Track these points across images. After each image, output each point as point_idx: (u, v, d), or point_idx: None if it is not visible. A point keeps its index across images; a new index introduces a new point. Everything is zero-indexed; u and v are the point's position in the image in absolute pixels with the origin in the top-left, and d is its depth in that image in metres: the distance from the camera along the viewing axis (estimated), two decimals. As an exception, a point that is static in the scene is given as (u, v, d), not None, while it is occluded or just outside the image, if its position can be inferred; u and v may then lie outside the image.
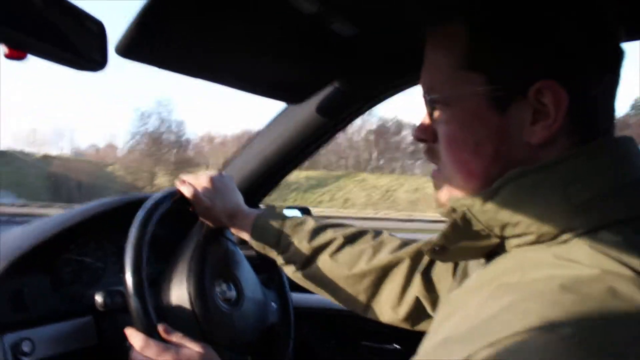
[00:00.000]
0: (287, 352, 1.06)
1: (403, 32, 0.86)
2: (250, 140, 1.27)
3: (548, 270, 0.42)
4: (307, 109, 1.11)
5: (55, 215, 0.99)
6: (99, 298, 0.89)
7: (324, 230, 0.92)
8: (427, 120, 0.57)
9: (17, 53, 0.56)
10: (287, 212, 1.42)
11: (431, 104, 0.55)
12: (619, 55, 0.50)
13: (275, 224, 0.94)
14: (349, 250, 0.89)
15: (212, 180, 0.97)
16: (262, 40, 0.80)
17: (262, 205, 1.34)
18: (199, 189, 0.95)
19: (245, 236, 0.97)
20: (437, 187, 0.58)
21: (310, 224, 0.93)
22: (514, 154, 0.50)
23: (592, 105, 0.49)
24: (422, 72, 0.58)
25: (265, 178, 1.25)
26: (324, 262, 0.89)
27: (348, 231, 0.92)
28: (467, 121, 0.52)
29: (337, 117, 1.14)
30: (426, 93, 0.56)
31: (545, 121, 0.48)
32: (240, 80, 0.92)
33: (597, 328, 0.36)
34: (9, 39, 0.54)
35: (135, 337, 0.78)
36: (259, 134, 1.24)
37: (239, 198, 1.01)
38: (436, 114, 0.55)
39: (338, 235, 0.91)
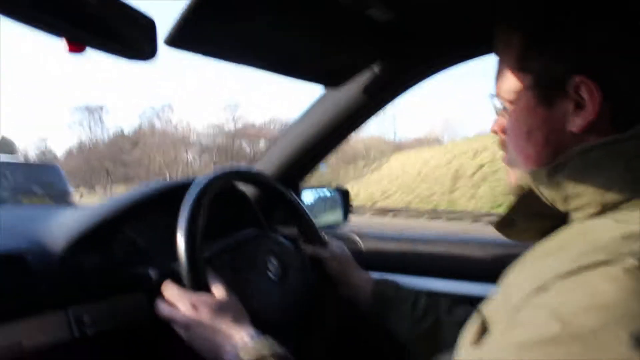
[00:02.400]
0: (325, 340, 1.08)
1: (438, 17, 0.87)
2: (290, 125, 1.30)
3: (609, 232, 0.45)
4: (345, 92, 1.13)
5: (109, 198, 1.05)
6: (152, 273, 0.94)
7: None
8: (498, 116, 0.67)
9: (76, 47, 0.60)
10: (324, 192, 1.46)
11: (498, 101, 0.65)
12: None
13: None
14: None
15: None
16: (302, 26, 0.83)
17: (305, 190, 1.37)
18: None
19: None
20: (507, 172, 0.66)
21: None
22: (560, 141, 0.57)
23: (629, 94, 0.54)
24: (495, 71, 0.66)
25: (304, 161, 1.28)
26: None
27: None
28: (521, 115, 0.61)
29: (373, 100, 1.15)
30: (494, 91, 0.65)
31: (584, 112, 0.54)
32: (281, 66, 0.95)
33: None
34: (70, 34, 0.58)
35: (169, 289, 0.85)
36: (298, 118, 1.27)
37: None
38: (502, 110, 0.65)
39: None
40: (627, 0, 0.55)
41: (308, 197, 1.39)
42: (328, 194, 1.48)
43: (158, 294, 0.99)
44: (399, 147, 46.99)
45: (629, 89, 0.54)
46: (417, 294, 1.01)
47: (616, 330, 0.36)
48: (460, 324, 0.89)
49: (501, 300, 0.49)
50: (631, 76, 0.54)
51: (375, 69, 1.06)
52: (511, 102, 0.62)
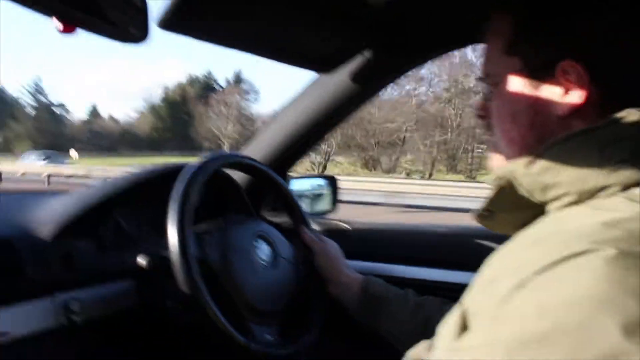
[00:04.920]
0: (319, 319, 1.07)
1: (430, 2, 0.87)
2: (279, 111, 1.29)
3: (588, 219, 0.45)
4: (337, 78, 1.13)
5: (97, 183, 1.03)
6: (142, 260, 0.93)
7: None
8: (483, 99, 0.67)
9: (68, 27, 0.59)
10: (313, 181, 1.46)
11: (485, 84, 0.65)
12: None
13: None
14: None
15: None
16: (294, 10, 0.82)
17: (293, 179, 1.37)
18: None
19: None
20: (491, 157, 0.66)
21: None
22: (546, 125, 0.58)
23: (617, 81, 0.55)
24: (482, 56, 0.66)
25: (295, 148, 1.28)
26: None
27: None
28: (507, 97, 0.61)
29: (366, 86, 1.15)
30: (481, 74, 0.66)
31: (571, 97, 0.55)
32: (273, 51, 0.94)
33: (639, 253, 0.39)
34: (60, 13, 0.57)
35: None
36: (288, 104, 1.26)
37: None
38: (488, 92, 0.65)
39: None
40: None
41: (296, 185, 1.39)
42: (317, 183, 1.48)
43: (148, 280, 0.99)
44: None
45: (617, 76, 0.55)
46: (406, 292, 1.02)
47: (604, 321, 0.36)
48: None
49: (482, 293, 0.48)
50: (620, 63, 0.55)
51: (367, 55, 1.06)
52: (497, 85, 0.62)
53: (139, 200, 1.08)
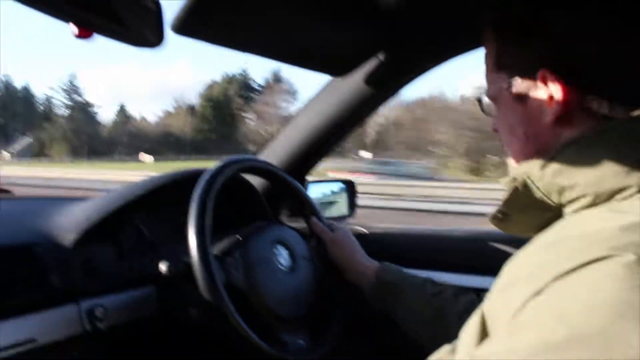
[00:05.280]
0: (337, 331, 1.07)
1: (443, 4, 0.87)
2: (295, 115, 1.30)
3: (605, 222, 0.44)
4: (352, 81, 1.13)
5: (117, 189, 1.04)
6: (163, 266, 0.93)
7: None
8: (491, 114, 0.68)
9: (85, 32, 0.60)
10: (330, 185, 1.46)
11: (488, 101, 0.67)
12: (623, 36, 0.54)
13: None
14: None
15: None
16: (308, 13, 0.82)
17: (310, 183, 1.37)
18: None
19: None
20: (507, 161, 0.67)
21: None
22: (539, 134, 0.58)
23: (595, 82, 0.54)
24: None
25: (311, 152, 1.28)
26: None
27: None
28: (503, 112, 0.63)
29: (381, 89, 1.14)
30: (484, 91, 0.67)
31: (555, 103, 0.55)
32: (287, 54, 0.95)
33: None
34: (77, 18, 0.58)
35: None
36: (303, 108, 1.26)
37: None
38: (492, 108, 0.66)
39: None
40: None
41: (314, 189, 1.39)
42: (335, 187, 1.48)
43: (168, 287, 0.99)
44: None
45: (595, 77, 0.54)
46: (423, 280, 1.01)
47: (625, 327, 0.35)
48: (464, 312, 0.89)
49: (500, 299, 0.48)
50: (597, 64, 0.54)
51: (381, 58, 1.06)
52: (496, 101, 0.63)
53: (160, 205, 1.09)
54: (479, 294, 0.54)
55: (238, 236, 0.98)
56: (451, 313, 0.93)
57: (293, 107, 55.53)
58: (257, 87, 69.10)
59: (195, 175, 0.96)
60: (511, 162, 0.65)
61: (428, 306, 0.95)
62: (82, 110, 72.89)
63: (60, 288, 0.87)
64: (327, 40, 0.94)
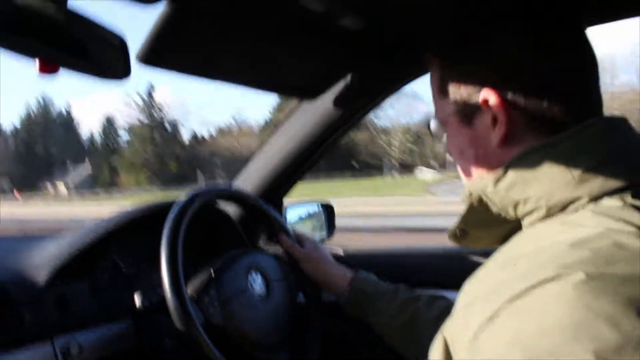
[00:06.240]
0: (317, 348, 1.07)
1: (410, 24, 0.88)
2: (267, 139, 1.30)
3: (557, 237, 0.45)
4: (322, 104, 1.14)
5: (89, 224, 1.03)
6: (137, 299, 0.92)
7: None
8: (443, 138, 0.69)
9: (49, 68, 0.60)
10: (308, 208, 1.46)
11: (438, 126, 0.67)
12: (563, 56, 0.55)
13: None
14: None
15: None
16: (274, 39, 0.83)
17: (289, 207, 1.37)
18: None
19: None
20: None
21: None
22: (490, 155, 0.58)
23: (535, 101, 0.54)
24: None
25: (286, 175, 1.28)
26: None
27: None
28: (452, 136, 0.63)
29: (351, 110, 1.16)
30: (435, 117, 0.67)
31: (499, 125, 0.56)
32: (255, 80, 0.95)
33: (607, 274, 0.38)
34: (41, 54, 0.58)
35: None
36: (275, 133, 1.27)
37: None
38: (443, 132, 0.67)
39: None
40: (522, 12, 0.56)
41: (292, 212, 1.39)
42: (313, 210, 1.48)
43: (145, 320, 0.98)
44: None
45: (533, 95, 0.54)
46: (396, 287, 1.02)
47: (577, 348, 0.35)
48: (439, 317, 0.89)
49: (460, 319, 0.48)
50: (533, 82, 0.54)
51: (351, 78, 1.07)
52: (445, 126, 0.64)
53: (135, 238, 1.08)
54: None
55: (212, 271, 0.97)
56: (426, 318, 0.94)
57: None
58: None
59: (168, 206, 0.96)
60: (465, 180, 0.65)
61: (402, 311, 0.97)
62: (163, 128, 62.58)
63: (34, 326, 0.85)
64: (295, 65, 0.96)
